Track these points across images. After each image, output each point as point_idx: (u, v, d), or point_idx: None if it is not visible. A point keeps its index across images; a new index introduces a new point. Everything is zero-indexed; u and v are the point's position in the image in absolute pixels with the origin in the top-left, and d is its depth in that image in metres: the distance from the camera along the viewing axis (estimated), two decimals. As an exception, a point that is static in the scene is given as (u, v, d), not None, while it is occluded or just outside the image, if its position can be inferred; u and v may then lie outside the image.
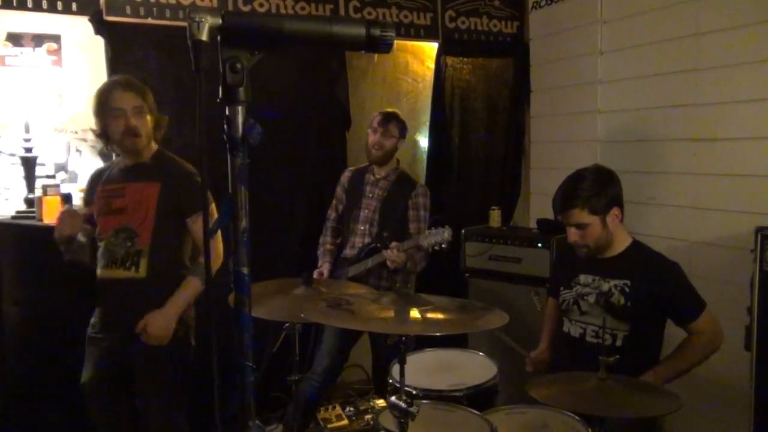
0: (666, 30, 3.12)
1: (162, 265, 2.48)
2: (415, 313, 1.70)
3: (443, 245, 2.97)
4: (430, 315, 1.71)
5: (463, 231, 3.78)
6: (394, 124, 3.31)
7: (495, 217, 3.91)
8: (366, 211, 3.33)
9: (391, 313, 1.71)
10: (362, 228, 3.31)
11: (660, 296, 2.30)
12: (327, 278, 3.27)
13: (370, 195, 3.35)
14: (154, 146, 2.59)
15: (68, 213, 2.46)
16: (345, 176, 3.51)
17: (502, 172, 4.40)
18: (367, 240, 3.28)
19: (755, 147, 2.73)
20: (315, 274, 3.33)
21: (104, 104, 2.46)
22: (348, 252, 3.34)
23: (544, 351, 2.64)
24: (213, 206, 2.49)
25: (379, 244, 3.13)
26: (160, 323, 2.41)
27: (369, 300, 1.86)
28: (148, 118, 2.51)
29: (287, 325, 2.27)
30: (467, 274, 3.77)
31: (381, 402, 3.38)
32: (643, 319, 2.33)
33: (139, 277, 2.45)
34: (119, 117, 2.44)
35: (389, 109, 3.42)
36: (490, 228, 3.86)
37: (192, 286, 2.50)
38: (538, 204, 4.16)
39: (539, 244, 3.46)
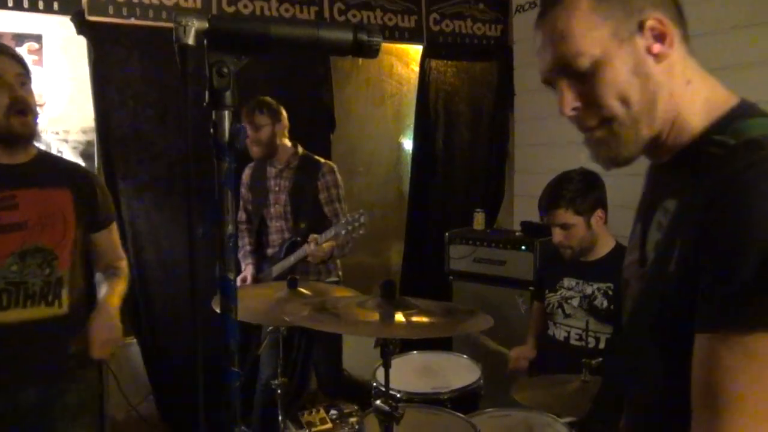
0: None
1: (81, 293, 1.99)
2: (399, 317, 1.70)
3: (361, 231, 2.84)
4: (414, 318, 1.72)
5: (447, 233, 3.79)
6: (258, 113, 3.06)
7: (479, 219, 3.92)
8: (277, 206, 3.19)
9: (376, 317, 1.72)
10: (277, 225, 3.20)
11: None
12: (251, 282, 3.15)
13: (276, 189, 3.20)
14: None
15: None
16: (246, 174, 3.33)
17: (486, 175, 4.42)
18: (286, 235, 3.17)
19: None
20: (238, 281, 3.16)
21: None
22: (270, 251, 3.24)
23: (530, 349, 2.66)
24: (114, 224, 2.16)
25: (299, 238, 3.05)
26: (108, 330, 1.91)
27: (354, 303, 1.86)
28: (34, 94, 1.94)
29: (271, 329, 2.26)
30: (451, 277, 3.77)
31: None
32: (625, 321, 2.35)
33: (62, 314, 1.91)
34: (0, 87, 1.81)
35: (259, 98, 3.12)
36: (475, 230, 3.87)
37: (123, 283, 2.09)
38: (522, 206, 4.18)
39: (523, 247, 3.48)
